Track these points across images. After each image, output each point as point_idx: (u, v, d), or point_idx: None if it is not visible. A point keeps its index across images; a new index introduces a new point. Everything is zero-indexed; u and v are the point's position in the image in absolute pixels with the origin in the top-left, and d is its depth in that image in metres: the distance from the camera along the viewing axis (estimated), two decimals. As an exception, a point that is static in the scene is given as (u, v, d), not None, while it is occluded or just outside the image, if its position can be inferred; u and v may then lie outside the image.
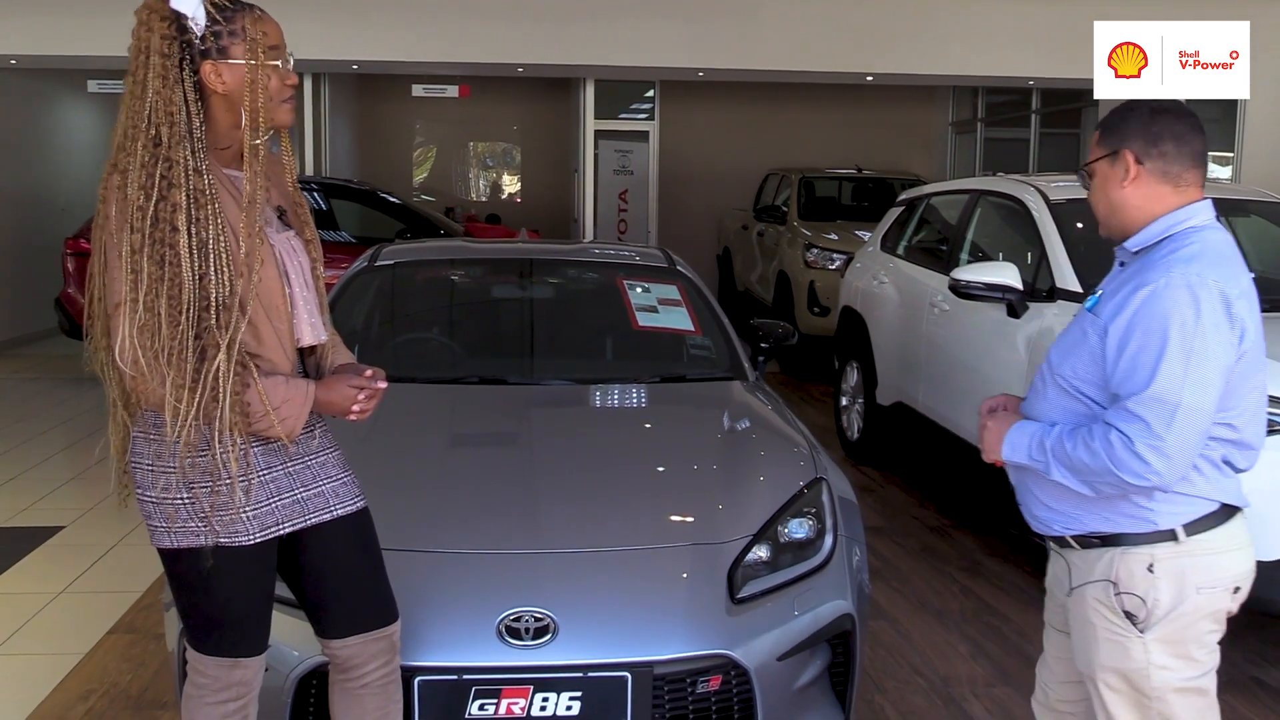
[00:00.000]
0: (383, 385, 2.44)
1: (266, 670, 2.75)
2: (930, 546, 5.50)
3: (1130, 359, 2.15)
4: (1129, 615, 2.23)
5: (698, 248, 13.61)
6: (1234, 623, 3.76)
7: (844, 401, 7.34)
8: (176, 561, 2.34)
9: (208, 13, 2.23)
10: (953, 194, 6.80)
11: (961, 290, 5.13)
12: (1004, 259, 5.55)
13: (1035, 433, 2.28)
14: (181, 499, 2.26)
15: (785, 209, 11.59)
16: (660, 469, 3.55)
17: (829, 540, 3.14)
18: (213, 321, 2.19)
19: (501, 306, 5.00)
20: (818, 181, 12.43)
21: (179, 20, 2.22)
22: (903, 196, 7.46)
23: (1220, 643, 2.30)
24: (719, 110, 15.17)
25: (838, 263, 9.67)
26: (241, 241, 2.24)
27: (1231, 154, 11.55)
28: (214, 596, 2.36)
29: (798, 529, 3.13)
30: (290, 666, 2.73)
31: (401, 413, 3.98)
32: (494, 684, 2.72)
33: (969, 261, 5.82)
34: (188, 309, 2.17)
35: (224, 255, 2.21)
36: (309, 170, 12.56)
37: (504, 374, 4.28)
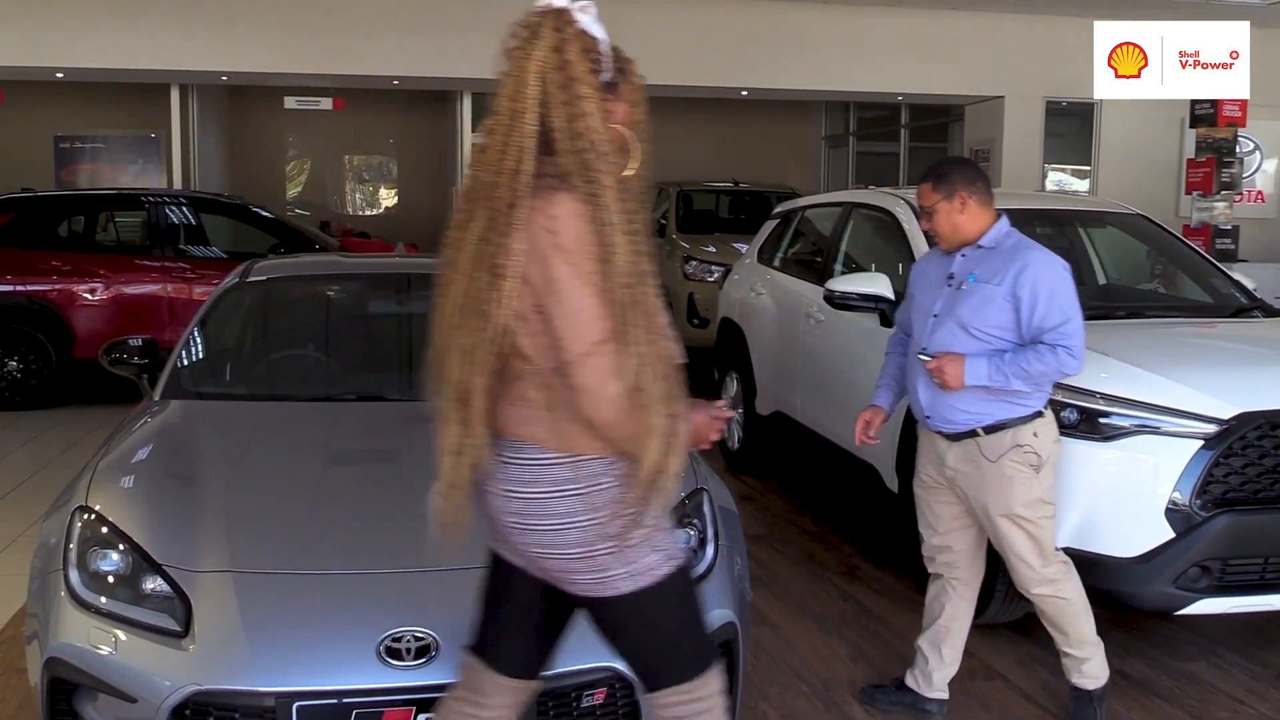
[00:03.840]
0: (731, 414, 2.43)
1: (136, 702, 2.67)
2: (810, 553, 5.59)
3: (1045, 310, 3.41)
4: (1031, 466, 3.48)
5: (578, 261, 13.59)
6: (1099, 619, 3.87)
7: (724, 412, 7.40)
8: (643, 600, 2.21)
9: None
10: (826, 206, 6.94)
11: (835, 301, 5.24)
12: (876, 269, 5.69)
13: (986, 361, 3.43)
14: (642, 533, 2.18)
15: (664, 222, 11.68)
16: (542, 483, 3.53)
17: (710, 549, 3.16)
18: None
19: (379, 322, 4.93)
20: (695, 194, 12.55)
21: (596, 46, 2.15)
22: (778, 209, 7.58)
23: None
24: (597, 124, 15.21)
25: (716, 275, 9.77)
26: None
27: (1089, 167, 12.04)
28: (691, 610, 2.33)
29: (679, 539, 3.15)
30: (162, 697, 2.65)
31: (277, 432, 3.91)
32: (375, 706, 2.68)
33: (842, 272, 5.94)
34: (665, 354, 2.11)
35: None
36: (177, 184, 12.22)
37: (382, 390, 4.22)
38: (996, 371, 3.41)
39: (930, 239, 3.85)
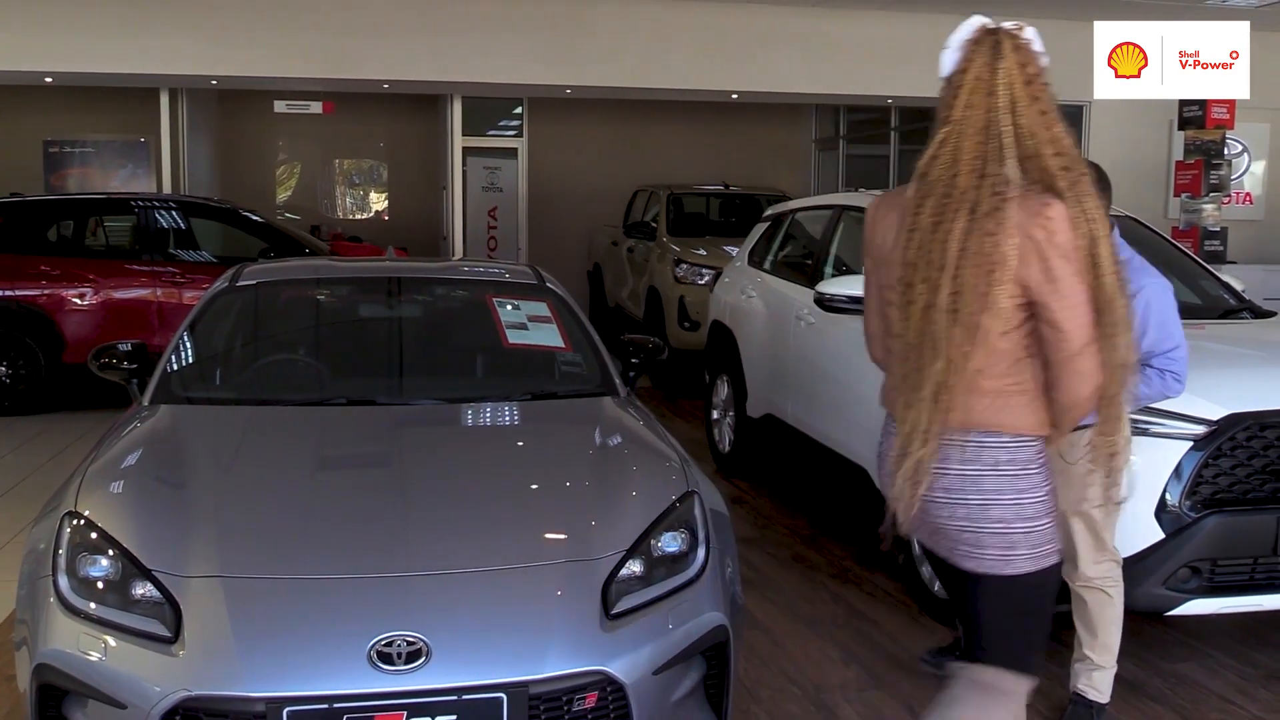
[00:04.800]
0: None
1: (126, 708, 2.67)
2: (801, 555, 5.59)
3: (1155, 335, 3.43)
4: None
5: (568, 264, 13.63)
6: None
7: (715, 415, 7.42)
8: (1030, 582, 2.43)
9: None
10: (817, 209, 6.95)
11: (826, 303, 5.25)
12: (866, 272, 5.68)
13: None
14: (1046, 522, 2.42)
15: (654, 225, 11.69)
16: (533, 486, 3.54)
17: (701, 553, 3.17)
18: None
19: (369, 326, 4.92)
20: (686, 198, 12.57)
21: None
22: (769, 212, 7.59)
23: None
24: (588, 127, 15.24)
25: (707, 278, 9.78)
26: None
27: (1078, 170, 12.06)
28: (1048, 612, 2.56)
29: (670, 543, 3.15)
30: (151, 703, 2.64)
31: (268, 436, 3.90)
32: (366, 711, 2.67)
33: (833, 275, 5.95)
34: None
35: None
36: (166, 188, 12.20)
37: (373, 394, 4.22)
38: None
39: None
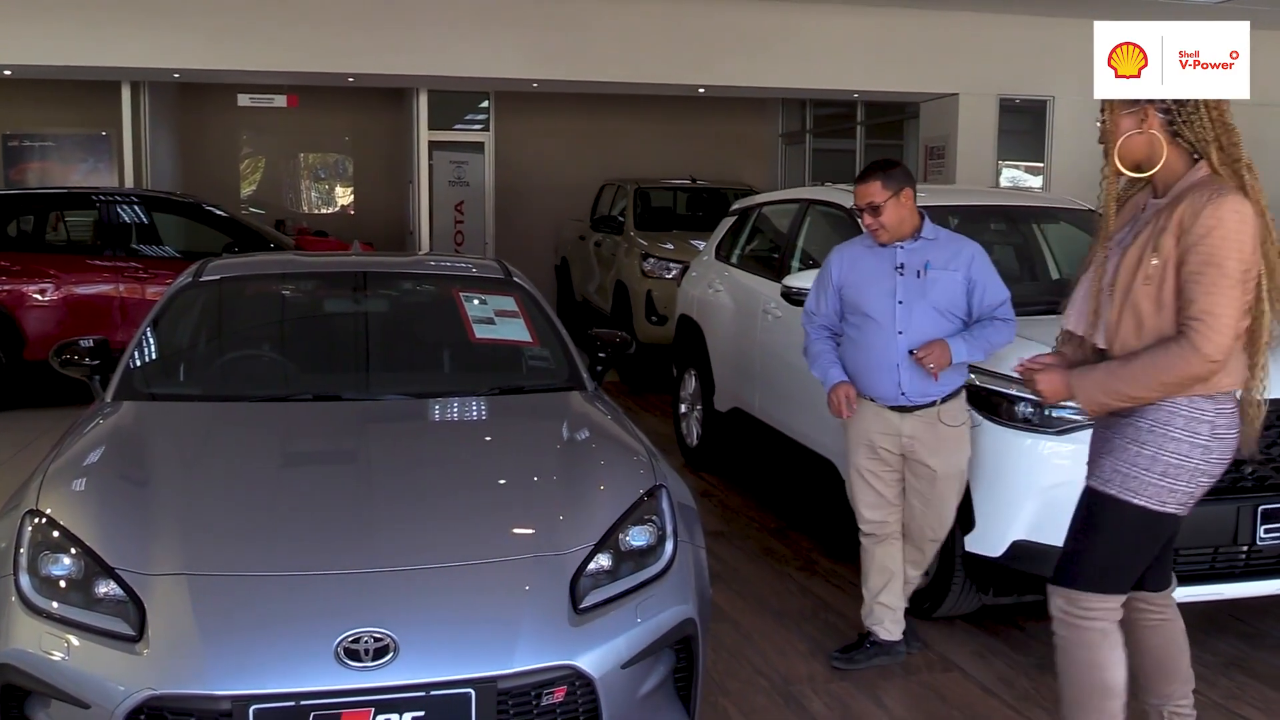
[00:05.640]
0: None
1: (90, 708, 2.65)
2: (769, 548, 5.61)
3: (994, 291, 4.00)
4: (971, 427, 4.05)
5: (535, 259, 13.60)
6: (1038, 610, 3.92)
7: (683, 409, 7.43)
8: None
9: None
10: (783, 203, 6.97)
11: (793, 297, 5.26)
12: (833, 266, 5.70)
13: (961, 341, 3.89)
14: None
15: (622, 219, 11.68)
16: (500, 481, 3.54)
17: (669, 546, 3.17)
18: None
19: (335, 321, 4.89)
20: (653, 192, 12.56)
21: None
22: (735, 206, 7.60)
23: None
24: (555, 121, 15.20)
25: (674, 272, 9.78)
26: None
27: (1042, 164, 12.16)
28: None
29: (638, 536, 3.16)
30: (115, 702, 2.62)
31: (233, 432, 3.88)
32: (333, 708, 2.66)
33: (800, 269, 5.97)
34: None
35: None
36: (129, 182, 12.07)
37: (339, 390, 4.19)
38: (972, 348, 3.92)
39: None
